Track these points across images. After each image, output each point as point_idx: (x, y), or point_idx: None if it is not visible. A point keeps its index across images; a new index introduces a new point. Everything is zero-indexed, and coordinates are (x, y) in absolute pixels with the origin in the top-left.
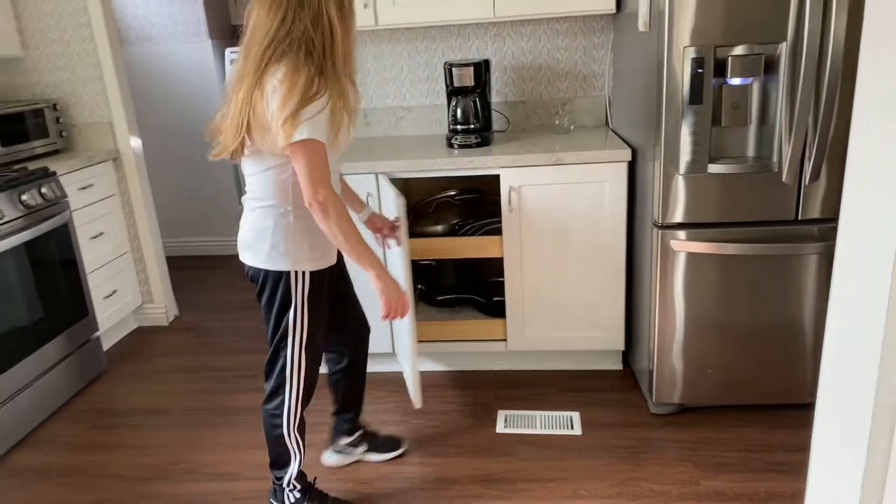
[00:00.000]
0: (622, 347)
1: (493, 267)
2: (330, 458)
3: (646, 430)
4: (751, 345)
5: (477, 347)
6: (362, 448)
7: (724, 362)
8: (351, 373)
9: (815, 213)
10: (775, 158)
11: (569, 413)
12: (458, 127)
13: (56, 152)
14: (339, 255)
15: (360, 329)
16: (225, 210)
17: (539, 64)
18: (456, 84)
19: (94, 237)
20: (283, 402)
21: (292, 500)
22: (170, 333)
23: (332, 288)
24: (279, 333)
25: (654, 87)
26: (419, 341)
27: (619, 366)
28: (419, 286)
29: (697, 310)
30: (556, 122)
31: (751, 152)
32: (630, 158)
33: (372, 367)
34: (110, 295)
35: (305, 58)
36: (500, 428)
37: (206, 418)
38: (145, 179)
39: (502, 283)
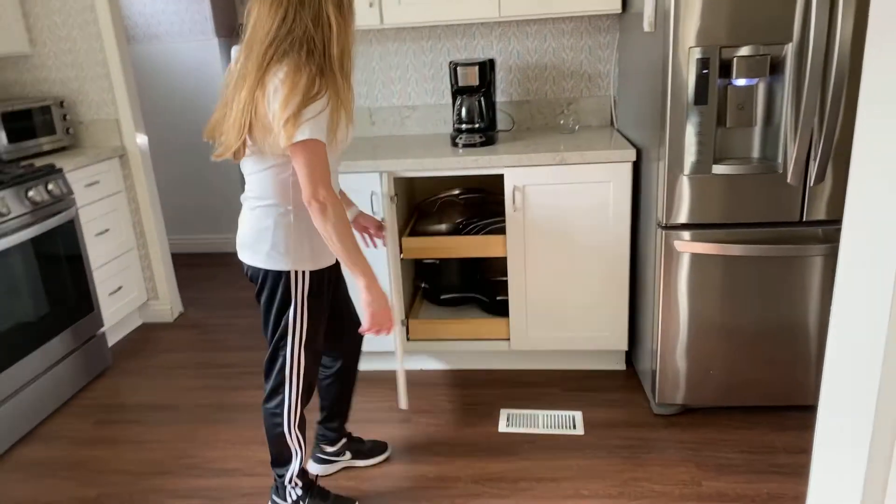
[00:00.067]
0: (625, 348)
1: (497, 266)
2: (314, 467)
3: (648, 430)
4: (755, 346)
5: (480, 346)
6: (347, 456)
7: (727, 363)
8: (342, 377)
9: (821, 214)
10: (780, 159)
11: (571, 413)
12: (463, 126)
13: (63, 149)
14: None
15: (355, 333)
16: (231, 207)
17: (544, 63)
18: (461, 83)
19: (100, 234)
20: (283, 400)
21: (294, 497)
22: (174, 330)
23: (331, 288)
24: (279, 333)
25: (659, 88)
26: (420, 340)
27: (622, 366)
28: (423, 285)
29: (701, 310)
30: (561, 122)
31: (756, 153)
32: (635, 159)
33: (374, 365)
34: (115, 291)
35: (307, 57)
36: (502, 427)
37: (211, 414)
38: (151, 176)
39: (506, 282)
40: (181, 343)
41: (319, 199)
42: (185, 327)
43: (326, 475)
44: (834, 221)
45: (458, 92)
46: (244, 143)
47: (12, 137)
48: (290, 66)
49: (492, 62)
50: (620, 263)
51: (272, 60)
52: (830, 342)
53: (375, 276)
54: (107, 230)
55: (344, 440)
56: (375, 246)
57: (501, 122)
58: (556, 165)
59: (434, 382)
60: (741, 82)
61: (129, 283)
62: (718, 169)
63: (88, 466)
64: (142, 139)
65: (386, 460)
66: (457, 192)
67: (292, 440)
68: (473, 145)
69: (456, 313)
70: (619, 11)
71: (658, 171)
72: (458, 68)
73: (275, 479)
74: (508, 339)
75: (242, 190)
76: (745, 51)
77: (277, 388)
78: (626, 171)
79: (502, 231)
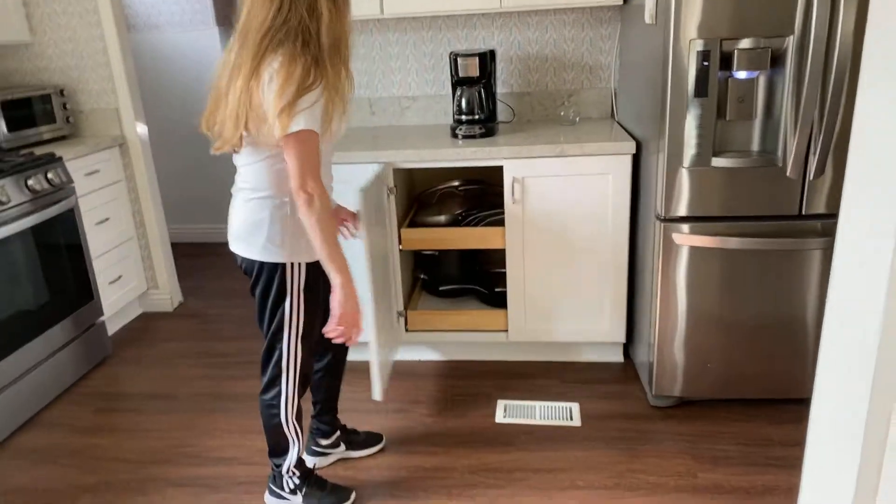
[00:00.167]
0: (623, 340)
1: (496, 258)
2: (308, 460)
3: (645, 422)
4: (752, 339)
5: (478, 338)
6: (341, 448)
7: (725, 356)
8: (332, 371)
9: (820, 208)
10: (780, 153)
11: (568, 404)
12: (463, 117)
13: (63, 138)
14: None
15: None
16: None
17: (545, 55)
18: (461, 74)
19: (100, 223)
20: (279, 392)
21: (291, 486)
22: (174, 319)
23: (325, 279)
24: (275, 325)
25: (659, 80)
26: (419, 331)
27: (619, 358)
28: (422, 276)
29: (699, 303)
30: (562, 114)
31: (755, 146)
32: (634, 151)
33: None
34: (115, 280)
35: (302, 47)
36: (499, 418)
37: (210, 403)
38: (151, 166)
39: (504, 274)
40: (181, 332)
41: (308, 190)
42: (184, 317)
43: (322, 467)
44: (833, 215)
45: (458, 83)
46: (241, 136)
47: (12, 126)
48: (285, 56)
49: (492, 53)
50: (619, 256)
51: (267, 50)
52: (825, 335)
53: (352, 276)
54: (107, 219)
55: (338, 432)
56: (354, 237)
57: (502, 113)
58: (555, 157)
59: (432, 373)
60: (742, 75)
61: (128, 273)
62: (718, 162)
63: (88, 454)
64: (142, 128)
65: (382, 451)
66: (456, 183)
67: (289, 430)
68: (473, 136)
69: (454, 304)
70: (621, 3)
71: (657, 164)
72: (459, 59)
73: (272, 469)
74: (506, 331)
75: None
76: (745, 43)
77: (274, 380)
78: (626, 163)
79: (501, 223)
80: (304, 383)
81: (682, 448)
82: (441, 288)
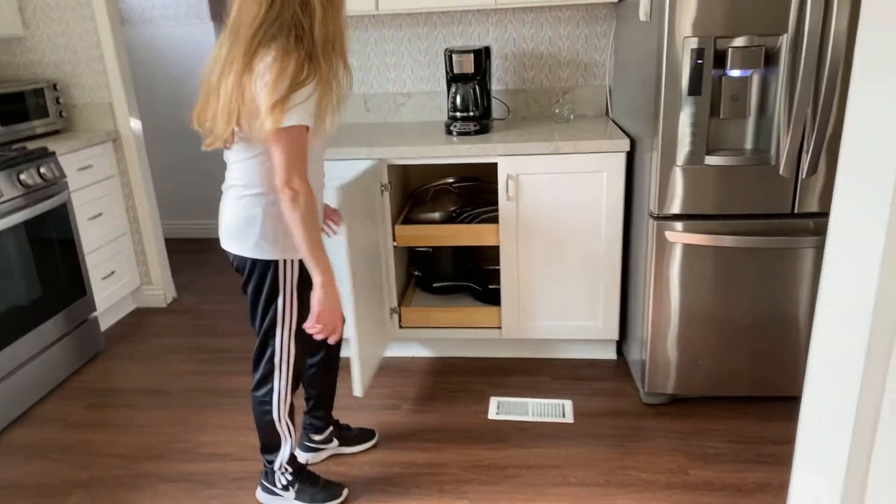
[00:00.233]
0: (616, 337)
1: (490, 255)
2: (301, 455)
3: (637, 419)
4: (745, 337)
5: (471, 335)
6: (334, 444)
7: (717, 354)
8: (327, 366)
9: (812, 206)
10: (773, 151)
11: (561, 401)
12: (458, 114)
13: (56, 132)
14: None
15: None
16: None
17: (540, 52)
18: (456, 71)
19: (93, 218)
20: (272, 389)
21: (284, 482)
22: (167, 315)
23: None
24: (267, 322)
25: (653, 78)
26: (412, 327)
27: (612, 355)
28: (416, 273)
29: (692, 301)
30: (557, 111)
31: (749, 145)
32: (628, 149)
33: None
34: (108, 276)
35: (295, 42)
36: (492, 414)
37: (202, 399)
38: (145, 161)
39: (498, 271)
40: (174, 328)
41: (293, 186)
42: (178, 312)
43: (314, 463)
44: (825, 214)
45: (453, 79)
46: (233, 131)
47: (4, 120)
48: (278, 51)
49: (487, 50)
50: (612, 253)
51: (260, 45)
52: (815, 334)
53: (334, 275)
54: (100, 214)
55: (331, 428)
56: (336, 233)
57: (496, 110)
58: (549, 155)
59: (425, 370)
60: (735, 73)
61: (121, 268)
62: (711, 160)
63: (81, 449)
64: (135, 123)
65: (375, 446)
66: (451, 180)
67: (282, 427)
68: (468, 133)
69: (448, 301)
70: (616, 0)
71: (651, 162)
72: (454, 56)
73: (264, 465)
74: (500, 328)
75: None
76: (739, 41)
77: (267, 377)
78: (620, 161)
79: (496, 220)
80: (296, 380)
81: (673, 445)
82: (435, 285)
